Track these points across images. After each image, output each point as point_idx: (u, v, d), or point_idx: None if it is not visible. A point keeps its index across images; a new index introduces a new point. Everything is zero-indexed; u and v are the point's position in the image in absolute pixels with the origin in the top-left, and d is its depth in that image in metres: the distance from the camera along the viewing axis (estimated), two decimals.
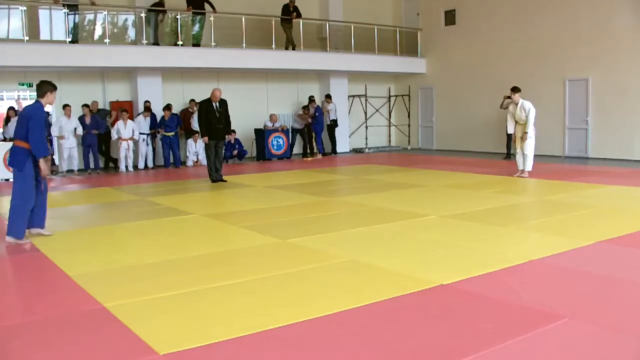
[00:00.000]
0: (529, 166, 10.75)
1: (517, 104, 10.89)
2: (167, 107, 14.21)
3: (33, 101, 6.47)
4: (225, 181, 10.89)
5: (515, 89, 10.97)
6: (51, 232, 6.53)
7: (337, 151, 17.28)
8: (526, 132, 10.65)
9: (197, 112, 14.25)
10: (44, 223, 6.47)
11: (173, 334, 3.49)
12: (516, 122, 10.96)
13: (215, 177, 10.89)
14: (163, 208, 8.17)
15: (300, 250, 5.53)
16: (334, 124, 16.94)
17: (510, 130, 11.21)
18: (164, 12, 14.36)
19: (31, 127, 6.06)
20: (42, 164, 6.19)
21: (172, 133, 14.19)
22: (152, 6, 14.26)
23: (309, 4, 17.37)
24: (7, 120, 12.63)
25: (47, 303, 4.22)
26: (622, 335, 3.38)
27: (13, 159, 6.13)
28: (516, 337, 3.33)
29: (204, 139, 10.84)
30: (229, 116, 11.07)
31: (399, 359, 3.13)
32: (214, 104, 10.77)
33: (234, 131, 14.23)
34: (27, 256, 5.64)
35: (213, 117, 10.71)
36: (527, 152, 10.71)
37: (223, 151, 11.35)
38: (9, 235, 6.10)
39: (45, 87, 6.42)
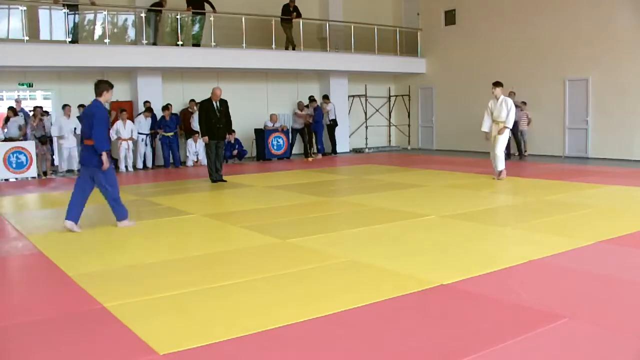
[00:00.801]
0: (504, 164, 10.30)
1: (497, 99, 10.15)
2: (167, 107, 14.20)
3: (92, 100, 6.96)
4: (225, 181, 10.88)
5: (496, 84, 10.30)
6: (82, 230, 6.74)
7: (337, 151, 17.28)
8: (506, 127, 10.04)
9: (197, 112, 14.36)
10: (79, 219, 6.76)
11: (173, 334, 3.49)
12: (493, 120, 10.22)
13: (216, 177, 10.87)
14: (163, 208, 8.17)
15: (300, 250, 5.53)
16: (333, 123, 16.95)
17: (485, 129, 10.36)
18: (160, 11, 14.34)
19: (95, 124, 6.53)
20: (104, 158, 6.62)
21: (172, 133, 14.19)
22: (151, 6, 14.26)
23: (309, 4, 17.37)
24: (7, 120, 12.63)
25: (47, 303, 4.22)
26: (622, 335, 3.38)
27: (91, 159, 6.62)
28: (516, 337, 3.33)
29: (204, 139, 10.80)
30: (229, 116, 11.04)
31: (399, 359, 3.13)
32: (214, 104, 10.72)
33: (234, 131, 14.24)
34: (28, 256, 5.64)
35: (213, 117, 10.67)
36: (498, 151, 10.11)
37: (223, 151, 11.33)
38: (121, 220, 6.84)
39: (102, 86, 6.88)
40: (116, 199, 6.81)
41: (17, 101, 13.56)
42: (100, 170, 6.63)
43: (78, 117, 13.16)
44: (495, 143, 10.15)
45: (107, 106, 7.56)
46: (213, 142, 10.74)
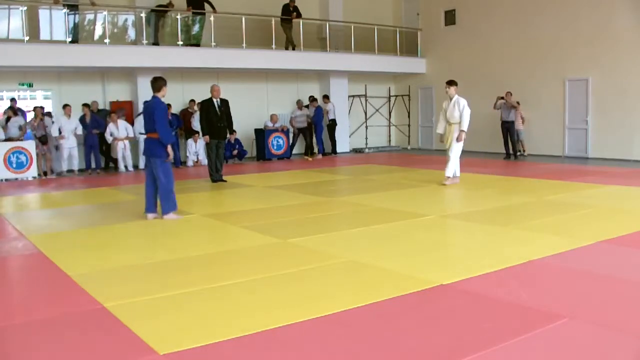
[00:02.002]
0: (453, 171, 9.76)
1: (451, 99, 9.68)
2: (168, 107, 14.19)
3: (151, 97, 7.35)
4: (225, 181, 10.87)
5: (450, 82, 9.80)
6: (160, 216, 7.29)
7: (337, 151, 17.28)
8: (463, 131, 9.56)
9: (198, 112, 14.37)
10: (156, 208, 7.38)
11: (173, 334, 3.49)
12: (447, 121, 9.77)
13: (216, 177, 10.86)
14: None
15: (300, 250, 5.53)
16: (333, 123, 16.95)
17: (440, 130, 10.07)
18: (165, 12, 14.35)
19: (157, 119, 7.02)
20: (169, 150, 7.17)
21: (173, 133, 14.18)
22: (157, 6, 14.25)
23: (309, 4, 17.37)
24: (8, 119, 12.62)
25: (47, 303, 4.21)
26: (622, 335, 3.38)
27: (154, 150, 7.14)
28: (516, 337, 3.33)
29: (205, 138, 10.75)
30: (231, 116, 10.99)
31: (399, 359, 3.13)
32: (215, 102, 10.66)
33: (235, 131, 14.24)
34: (28, 256, 5.64)
35: (214, 116, 10.59)
36: (453, 155, 9.63)
37: (224, 151, 11.32)
38: (167, 212, 7.17)
39: (159, 83, 7.26)
40: (169, 191, 7.20)
41: (13, 100, 13.47)
42: (159, 161, 7.11)
43: (80, 118, 13.20)
44: (451, 147, 9.68)
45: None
46: (214, 142, 10.68)
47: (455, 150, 9.68)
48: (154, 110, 7.10)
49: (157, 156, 7.16)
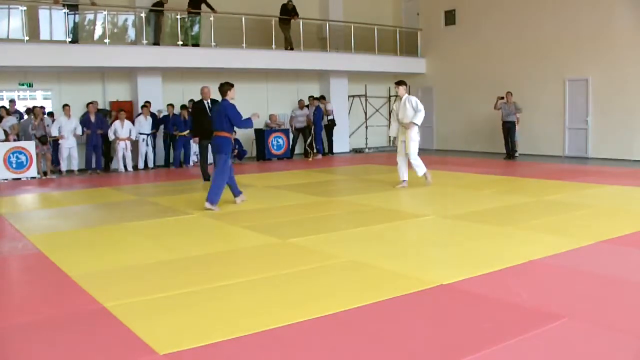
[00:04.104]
0: (424, 169, 9.43)
1: (401, 100, 9.26)
2: (184, 107, 14.25)
3: (220, 100, 8.19)
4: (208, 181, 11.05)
5: (399, 83, 9.37)
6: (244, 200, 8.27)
7: (334, 151, 17.27)
8: (413, 123, 9.09)
9: (191, 113, 14.39)
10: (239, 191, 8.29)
11: (173, 334, 3.49)
12: (400, 122, 9.37)
13: (208, 176, 10.95)
14: (163, 208, 8.17)
15: (300, 250, 5.53)
16: (331, 123, 16.94)
17: (392, 133, 9.81)
18: (162, 12, 14.34)
19: (232, 117, 7.94)
20: (252, 121, 8.21)
21: (187, 132, 14.18)
22: (153, 6, 14.25)
23: (309, 4, 17.36)
24: (0, 119, 12.60)
25: (48, 303, 4.21)
26: (622, 335, 3.38)
27: (222, 147, 7.98)
28: (516, 337, 3.33)
29: (195, 139, 10.98)
30: (228, 116, 10.97)
31: (399, 359, 3.13)
32: (205, 103, 10.71)
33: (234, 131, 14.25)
34: (28, 256, 5.64)
35: (204, 117, 10.54)
36: (413, 159, 9.28)
37: None
38: (210, 202, 7.77)
39: (225, 87, 8.10)
40: (220, 186, 7.91)
41: (12, 102, 13.46)
42: (224, 157, 7.94)
43: (82, 117, 13.18)
44: (406, 148, 9.28)
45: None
46: (205, 142, 10.66)
47: (413, 150, 9.28)
48: (227, 111, 7.93)
49: (223, 153, 7.97)
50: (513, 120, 14.55)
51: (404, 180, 9.51)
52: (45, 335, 3.56)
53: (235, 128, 8.19)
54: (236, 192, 8.35)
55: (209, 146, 10.79)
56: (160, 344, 3.31)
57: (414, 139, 9.27)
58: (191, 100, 14.95)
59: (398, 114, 9.38)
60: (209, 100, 10.74)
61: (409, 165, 9.50)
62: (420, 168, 9.40)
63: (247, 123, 8.15)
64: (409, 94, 9.55)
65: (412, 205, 7.95)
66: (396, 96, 9.78)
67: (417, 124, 9.19)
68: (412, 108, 9.14)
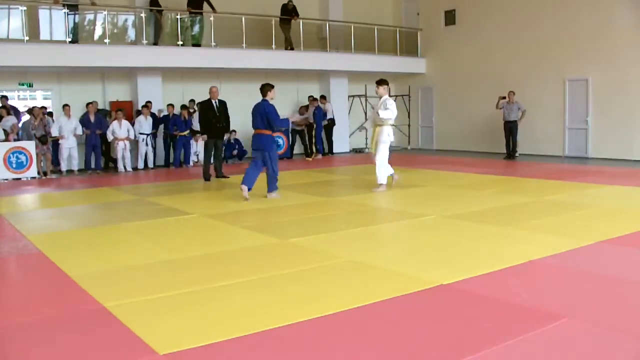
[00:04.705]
0: (385, 176, 9.04)
1: (380, 99, 8.99)
2: (184, 107, 14.31)
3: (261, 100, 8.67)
4: (227, 177, 11.24)
5: (380, 82, 9.09)
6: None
7: (334, 151, 17.27)
8: (380, 116, 8.81)
9: (197, 112, 14.41)
10: (252, 186, 8.62)
11: (173, 334, 3.49)
12: (376, 123, 9.12)
13: (208, 176, 11.12)
14: (163, 208, 8.17)
15: (300, 250, 5.53)
16: (331, 123, 16.94)
17: (367, 125, 9.84)
18: (161, 12, 14.35)
19: (272, 118, 8.45)
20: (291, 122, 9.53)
21: (187, 132, 14.20)
22: (150, 4, 14.24)
23: (309, 4, 17.36)
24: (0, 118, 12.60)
25: (47, 303, 4.21)
26: (622, 335, 3.38)
27: (265, 144, 8.53)
28: (516, 337, 3.33)
29: (203, 137, 11.09)
30: (228, 116, 11.31)
31: (399, 359, 3.13)
32: (213, 103, 10.97)
33: (234, 131, 14.28)
34: (28, 256, 5.63)
35: (213, 116, 10.89)
36: (378, 160, 8.94)
37: (222, 149, 11.56)
38: (272, 191, 8.64)
39: (265, 88, 8.64)
40: (275, 176, 8.64)
41: (4, 98, 13.28)
42: (271, 153, 8.52)
43: (82, 117, 13.17)
44: (377, 150, 9.02)
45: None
46: (212, 141, 11.01)
47: (382, 153, 8.97)
48: (267, 111, 8.43)
49: (268, 149, 8.52)
50: (515, 120, 14.55)
51: (391, 174, 9.33)
52: (45, 335, 3.56)
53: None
54: (249, 182, 8.65)
55: (214, 146, 10.98)
56: (160, 344, 3.31)
57: (383, 140, 8.95)
58: (192, 100, 14.98)
59: (374, 114, 9.15)
60: (216, 100, 11.00)
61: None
62: (380, 176, 8.99)
63: (284, 123, 8.96)
64: (389, 95, 9.28)
65: (412, 205, 7.95)
66: (391, 97, 9.68)
67: (383, 118, 8.87)
68: (384, 108, 8.84)
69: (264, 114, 8.43)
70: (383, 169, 9.06)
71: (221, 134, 11.16)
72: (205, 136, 10.99)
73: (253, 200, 8.86)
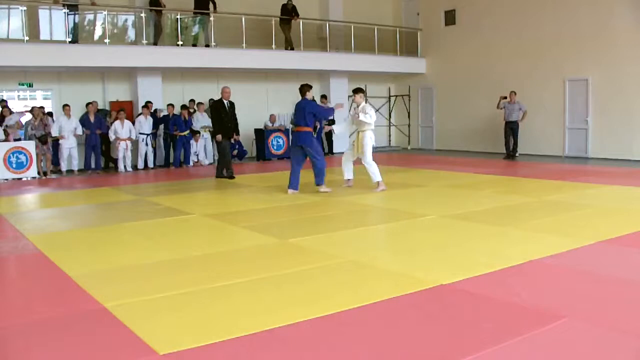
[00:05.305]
0: (376, 176, 9.25)
1: (358, 107, 9.32)
2: (184, 107, 14.31)
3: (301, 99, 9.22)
4: (234, 177, 11.32)
5: (356, 90, 9.50)
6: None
7: (334, 151, 17.26)
8: (359, 116, 9.14)
9: (197, 112, 14.43)
10: (298, 187, 9.10)
11: (173, 334, 3.49)
12: (359, 129, 9.41)
13: (225, 174, 11.29)
14: (163, 208, 8.17)
15: (300, 250, 5.53)
16: (331, 123, 16.92)
17: (336, 130, 10.47)
18: (161, 12, 14.35)
19: (318, 112, 9.16)
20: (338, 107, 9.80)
21: (187, 132, 14.19)
22: (150, 5, 14.24)
23: (309, 4, 17.36)
24: (2, 118, 12.60)
25: (47, 303, 4.21)
26: (622, 335, 3.38)
27: (305, 140, 8.96)
28: (516, 337, 3.33)
29: (218, 137, 11.21)
30: (236, 118, 11.52)
31: (399, 359, 3.13)
32: (225, 103, 11.16)
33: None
34: (28, 256, 5.63)
35: (226, 116, 11.11)
36: (367, 163, 9.23)
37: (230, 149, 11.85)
38: (320, 183, 8.99)
39: (304, 89, 9.15)
40: (322, 167, 8.99)
41: (3, 102, 13.26)
42: (311, 147, 8.92)
43: (82, 117, 13.16)
44: (363, 153, 9.27)
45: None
46: (225, 141, 11.26)
47: (368, 154, 9.26)
48: (310, 107, 8.96)
49: (308, 145, 8.92)
50: (516, 120, 14.55)
51: (348, 179, 9.69)
52: (45, 335, 3.56)
53: None
54: (294, 185, 9.11)
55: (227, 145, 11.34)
56: (160, 344, 3.31)
57: (367, 143, 9.26)
58: (191, 100, 14.99)
59: (354, 117, 9.39)
60: (227, 101, 11.16)
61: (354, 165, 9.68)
62: (375, 175, 9.25)
63: (330, 112, 9.53)
64: (366, 101, 9.59)
65: (412, 205, 7.95)
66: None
67: (363, 121, 9.18)
68: (363, 113, 9.15)
69: (308, 111, 8.87)
70: (373, 167, 9.29)
71: (231, 134, 11.42)
72: (219, 136, 11.14)
73: (253, 200, 8.87)
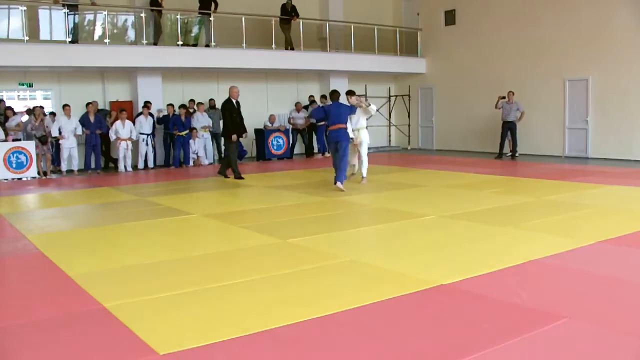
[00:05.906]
0: (364, 170, 10.21)
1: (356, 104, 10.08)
2: (184, 107, 14.31)
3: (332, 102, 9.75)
4: (242, 178, 11.33)
5: (349, 93, 10.22)
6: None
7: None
8: (366, 102, 10.14)
9: (197, 112, 14.42)
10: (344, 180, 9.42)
11: (173, 334, 3.49)
12: (353, 129, 10.12)
13: (230, 175, 11.40)
14: (163, 208, 8.17)
15: (300, 250, 5.53)
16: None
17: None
18: (161, 12, 14.35)
19: (352, 111, 9.66)
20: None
21: (186, 132, 14.19)
22: (150, 5, 14.24)
23: (309, 4, 17.36)
24: (6, 119, 12.60)
25: (47, 303, 4.22)
26: (622, 335, 3.38)
27: (342, 137, 9.45)
28: (516, 337, 3.33)
29: (233, 137, 11.22)
30: (242, 117, 11.52)
31: (399, 359, 3.13)
32: (234, 102, 11.19)
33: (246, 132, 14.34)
34: (28, 256, 5.64)
35: (237, 116, 11.19)
36: (364, 156, 10.16)
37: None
38: (340, 181, 9.26)
39: (335, 94, 9.74)
40: (345, 166, 9.46)
41: (1, 102, 13.24)
42: (345, 144, 9.41)
43: (82, 117, 13.15)
44: (361, 146, 10.12)
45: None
46: (235, 141, 11.34)
47: (364, 149, 10.20)
48: (343, 109, 9.56)
49: (346, 141, 9.46)
50: (514, 120, 14.56)
51: (353, 165, 10.47)
52: (45, 335, 3.56)
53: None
54: (342, 179, 9.35)
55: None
56: (161, 344, 3.31)
57: (365, 140, 10.18)
58: (191, 100, 14.98)
59: (352, 120, 10.13)
60: (236, 100, 11.21)
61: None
62: (365, 167, 10.28)
63: (354, 110, 9.78)
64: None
65: (412, 205, 7.95)
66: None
67: (373, 109, 10.24)
68: (361, 114, 10.12)
69: (344, 111, 9.52)
70: (367, 162, 10.28)
71: (240, 133, 11.47)
72: (234, 136, 11.18)
73: (253, 200, 8.87)
